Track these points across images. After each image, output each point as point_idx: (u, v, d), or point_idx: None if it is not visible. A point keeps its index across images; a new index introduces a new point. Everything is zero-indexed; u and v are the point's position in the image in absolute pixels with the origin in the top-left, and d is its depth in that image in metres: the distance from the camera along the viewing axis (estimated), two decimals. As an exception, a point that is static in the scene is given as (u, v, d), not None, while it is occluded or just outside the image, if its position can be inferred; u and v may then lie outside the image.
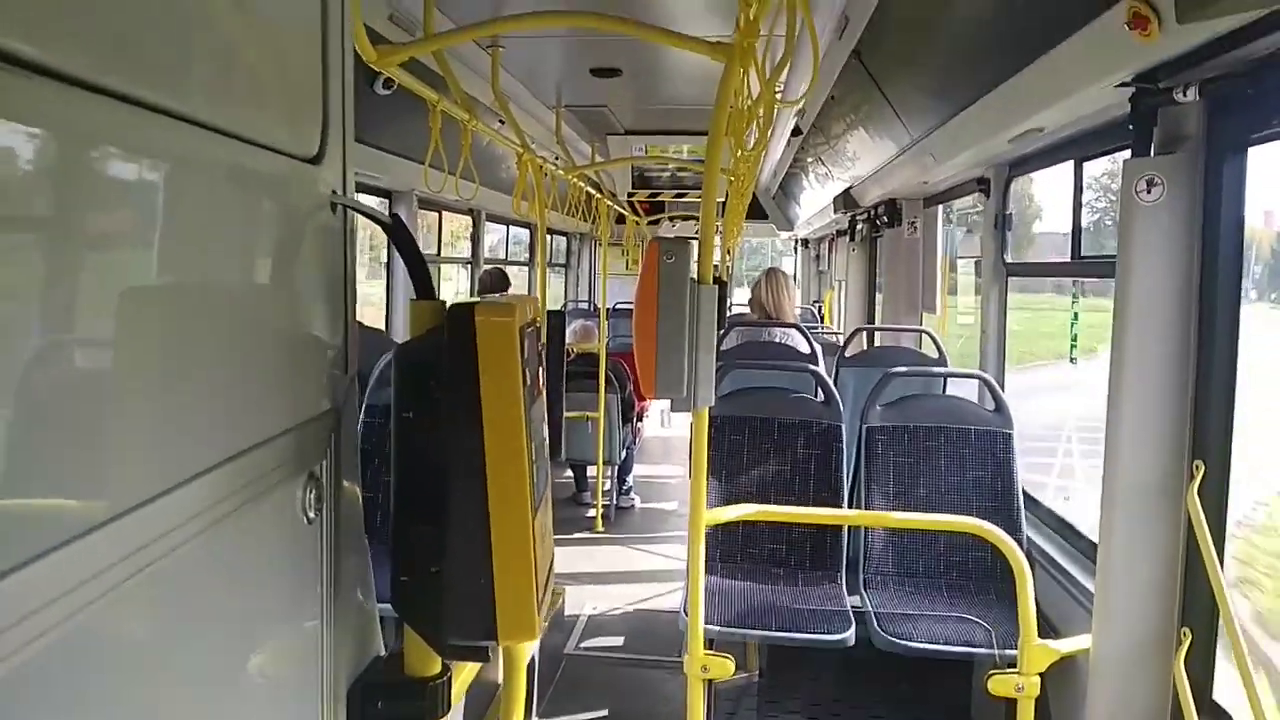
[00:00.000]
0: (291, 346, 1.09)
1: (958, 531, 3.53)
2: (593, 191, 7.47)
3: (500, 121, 4.51)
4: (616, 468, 7.37)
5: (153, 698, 0.80)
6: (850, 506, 3.80)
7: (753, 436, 3.88)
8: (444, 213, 6.63)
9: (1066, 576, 3.14)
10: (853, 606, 3.35)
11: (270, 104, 1.04)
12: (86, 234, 0.72)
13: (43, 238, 0.67)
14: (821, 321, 10.54)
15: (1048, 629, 3.05)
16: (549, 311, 4.54)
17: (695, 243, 2.32)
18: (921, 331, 5.56)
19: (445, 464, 1.17)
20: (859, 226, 7.48)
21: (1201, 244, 2.33)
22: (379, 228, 1.32)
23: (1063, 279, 5.91)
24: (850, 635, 3.14)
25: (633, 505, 7.64)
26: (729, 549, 3.75)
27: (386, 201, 5.19)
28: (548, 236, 6.41)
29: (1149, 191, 2.33)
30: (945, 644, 3.08)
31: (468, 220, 6.92)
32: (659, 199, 9.06)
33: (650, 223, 10.32)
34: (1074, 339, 3.66)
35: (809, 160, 7.01)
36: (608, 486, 7.21)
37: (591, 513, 7.11)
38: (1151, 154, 2.39)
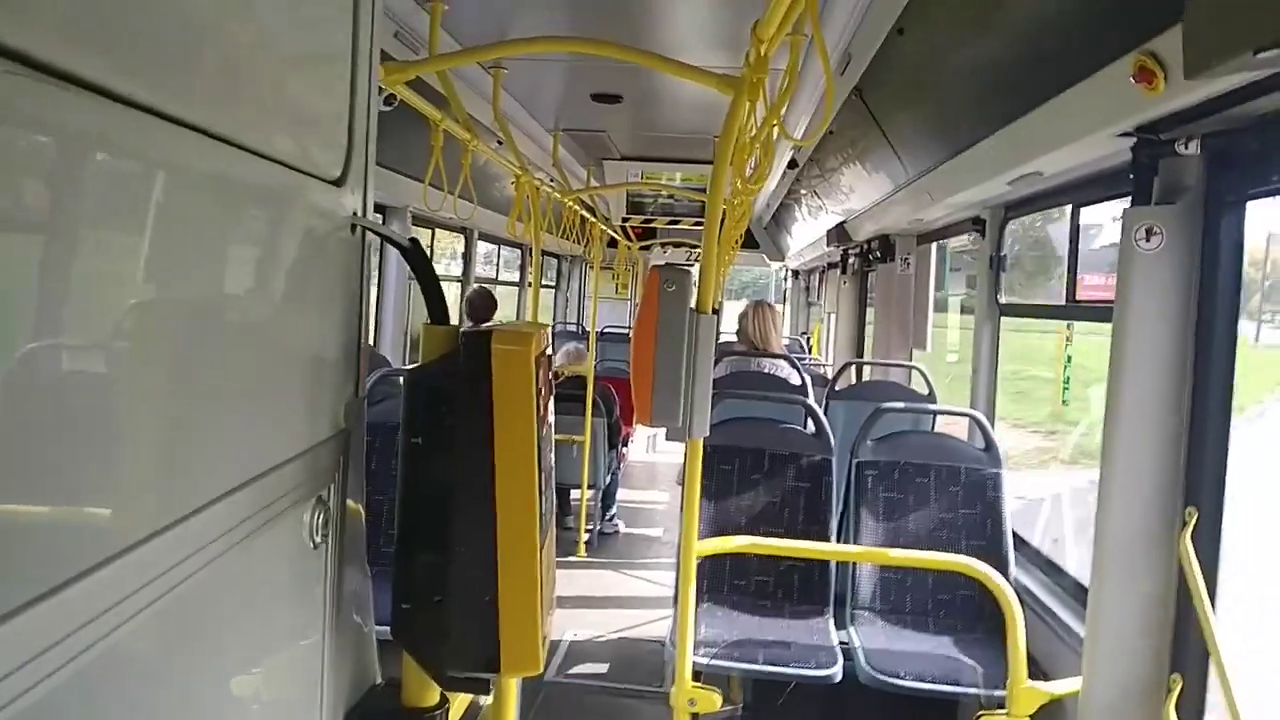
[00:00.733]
0: (306, 369, 1.08)
1: (947, 570, 3.52)
2: (587, 215, 7.49)
3: (499, 142, 4.53)
4: (601, 492, 7.34)
5: None
6: (839, 540, 3.79)
7: (743, 467, 3.87)
8: (437, 230, 6.62)
9: (1054, 618, 3.14)
10: (840, 641, 3.33)
11: (301, 126, 1.03)
12: (104, 256, 0.71)
13: (64, 255, 0.66)
14: (809, 353, 10.57)
15: (1036, 670, 3.04)
16: None
17: (695, 270, 2.33)
18: (912, 367, 5.58)
19: (454, 491, 1.16)
20: (851, 260, 7.52)
21: (1199, 293, 2.35)
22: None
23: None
24: (838, 670, 3.12)
25: (616, 530, 7.59)
26: (716, 579, 3.73)
27: (380, 217, 5.18)
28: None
29: (1148, 240, 2.36)
30: (933, 682, 3.07)
31: (458, 237, 6.91)
32: (651, 224, 9.09)
33: (641, 248, 10.35)
34: (1066, 380, 3.67)
35: (803, 192, 7.05)
36: (590, 511, 7.17)
37: (575, 537, 7.06)
38: (1152, 203, 2.42)
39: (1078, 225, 3.40)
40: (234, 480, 0.87)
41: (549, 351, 1.40)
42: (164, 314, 0.78)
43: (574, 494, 7.34)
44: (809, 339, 11.31)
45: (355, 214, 1.16)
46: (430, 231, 6.58)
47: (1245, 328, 2.37)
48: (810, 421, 3.96)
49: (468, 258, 6.86)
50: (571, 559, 6.79)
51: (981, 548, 3.56)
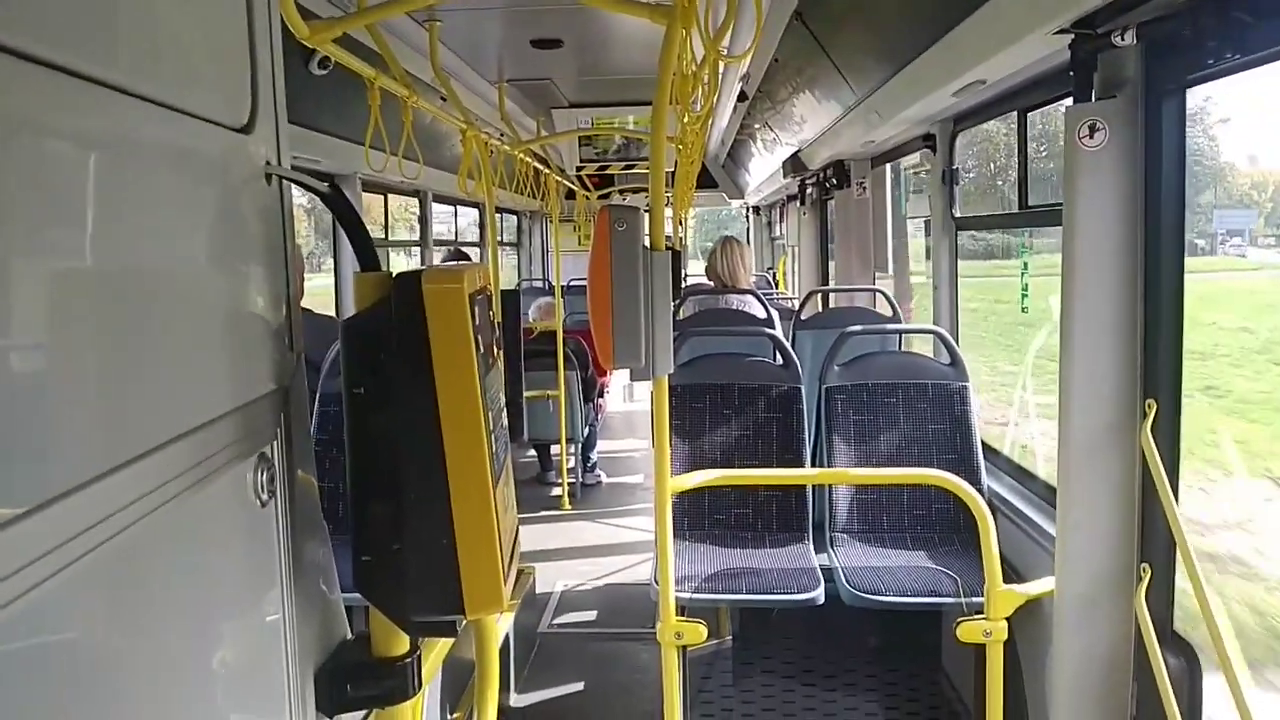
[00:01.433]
0: (231, 323, 1.06)
1: (920, 484, 3.57)
2: (540, 167, 7.40)
3: (443, 99, 4.44)
4: (580, 445, 7.36)
5: (104, 688, 0.77)
6: (814, 467, 3.82)
7: (713, 403, 3.88)
8: (393, 197, 6.52)
9: (1028, 522, 3.19)
10: (821, 565, 3.38)
11: (195, 69, 0.99)
12: (10, 209, 0.68)
13: None
14: (776, 287, 10.58)
15: (1012, 574, 3.11)
16: (504, 292, 4.49)
17: (646, 210, 2.30)
18: (875, 291, 5.60)
19: (401, 438, 1.15)
20: (809, 190, 7.49)
21: (1145, 186, 2.36)
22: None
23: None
24: (819, 594, 3.17)
25: (599, 481, 7.64)
26: (696, 516, 3.76)
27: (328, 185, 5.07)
28: (498, 216, 6.34)
29: (1091, 137, 2.36)
30: (913, 595, 3.12)
31: (416, 204, 6.81)
32: (608, 172, 9.01)
33: (600, 197, 10.26)
34: (1025, 288, 3.70)
35: (756, 126, 7.00)
36: (572, 464, 7.20)
37: (557, 491, 7.09)
38: (1093, 100, 2.41)
39: (1025, 132, 3.40)
40: (161, 436, 0.85)
41: (489, 291, 1.38)
42: (73, 266, 0.76)
43: (554, 449, 7.36)
44: (775, 274, 11.31)
45: (269, 162, 1.12)
46: (383, 197, 6.49)
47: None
48: (778, 353, 3.97)
49: (424, 220, 6.76)
50: (556, 512, 6.83)
51: (953, 460, 3.60)
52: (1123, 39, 2.20)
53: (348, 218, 1.21)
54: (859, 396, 3.78)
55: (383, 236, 6.59)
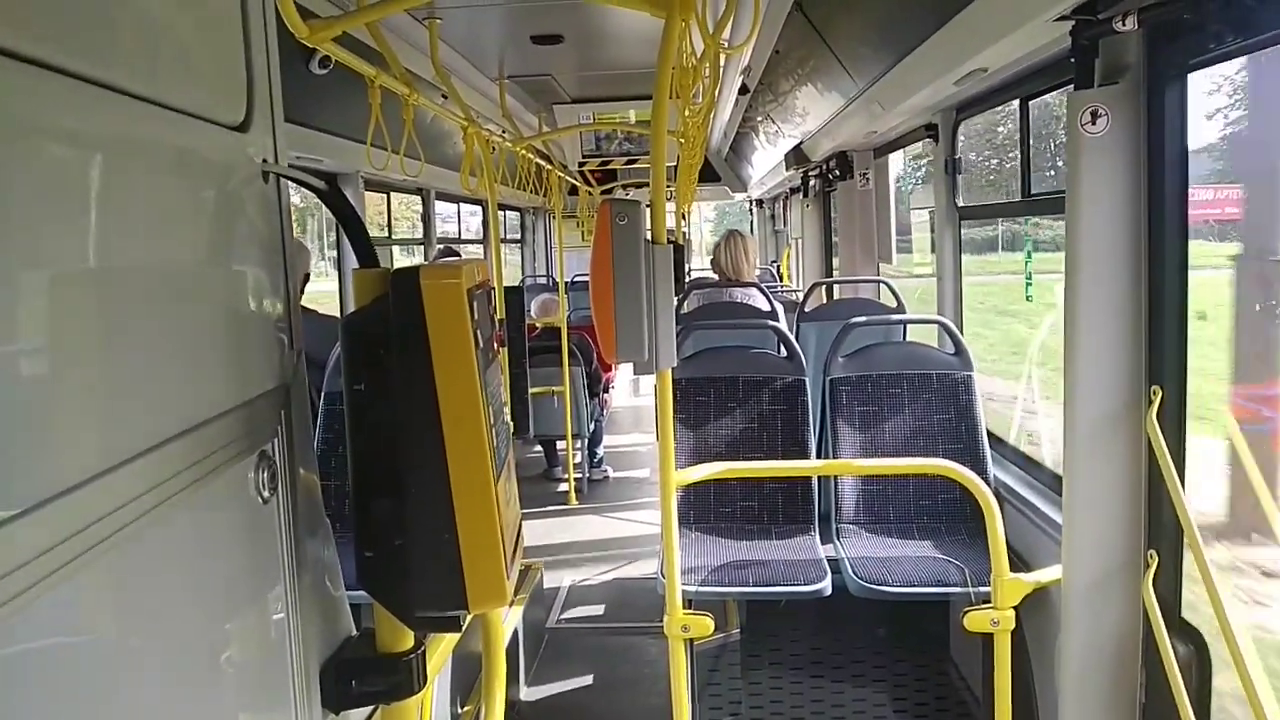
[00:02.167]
0: (230, 321, 1.06)
1: (926, 474, 3.56)
2: (543, 164, 7.39)
3: (443, 96, 4.43)
4: (586, 441, 7.36)
5: (107, 685, 0.77)
6: (819, 458, 3.82)
7: (718, 396, 3.88)
8: (396, 196, 6.52)
9: (1034, 511, 3.19)
10: (827, 556, 3.38)
11: (190, 68, 0.99)
12: (5, 209, 0.68)
13: None
14: (780, 280, 10.56)
15: (1019, 563, 3.10)
16: (508, 288, 4.49)
17: (648, 204, 2.30)
18: (879, 281, 5.58)
19: (402, 434, 1.15)
20: (811, 182, 7.48)
21: (1148, 172, 2.35)
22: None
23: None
24: (827, 585, 3.17)
25: (606, 476, 7.64)
26: (702, 509, 3.76)
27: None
28: (501, 212, 6.33)
29: (1094, 123, 2.34)
30: (920, 585, 3.12)
31: (419, 203, 6.81)
32: (610, 167, 9.00)
33: (603, 192, 10.26)
34: (1028, 276, 3.69)
35: (758, 119, 6.98)
36: (578, 460, 7.20)
37: (564, 487, 7.10)
38: (1094, 86, 2.40)
39: (1027, 120, 3.39)
40: (161, 434, 0.86)
41: (489, 286, 1.38)
42: (69, 264, 0.76)
43: (560, 445, 7.37)
44: (779, 267, 11.29)
45: (265, 160, 1.13)
46: (385, 196, 6.49)
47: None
48: (781, 345, 3.97)
49: (426, 218, 6.77)
50: (563, 507, 6.84)
51: (959, 450, 3.60)
52: (1124, 24, 2.19)
53: (345, 214, 1.21)
54: (864, 387, 3.78)
55: (385, 235, 6.60)
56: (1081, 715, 2.52)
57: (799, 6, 3.80)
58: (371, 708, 1.31)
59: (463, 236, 8.85)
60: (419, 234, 6.80)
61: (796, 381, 3.85)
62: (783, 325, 4.21)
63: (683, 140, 5.60)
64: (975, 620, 2.71)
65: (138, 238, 0.86)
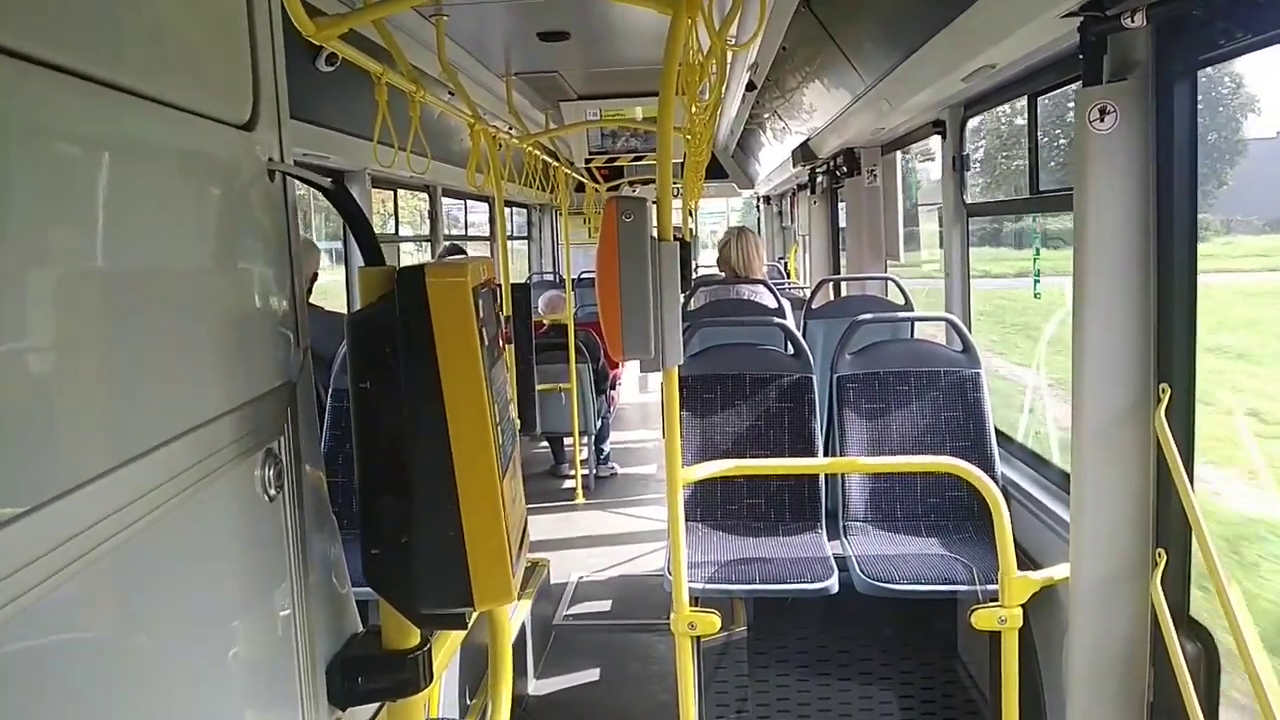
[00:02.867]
0: (236, 319, 1.06)
1: (933, 472, 3.55)
2: (549, 160, 7.39)
3: (450, 93, 4.43)
4: (593, 437, 7.37)
5: (115, 683, 0.78)
6: (826, 456, 3.81)
7: (725, 393, 3.87)
8: (403, 193, 6.53)
9: (1042, 509, 3.18)
10: (834, 554, 3.38)
11: (195, 67, 1.00)
12: (12, 207, 0.69)
13: None
14: (787, 277, 10.55)
15: (1027, 561, 3.09)
16: (514, 285, 4.49)
17: (654, 201, 2.29)
18: (887, 279, 5.57)
19: (407, 431, 1.15)
20: (819, 179, 7.46)
21: (1157, 169, 2.34)
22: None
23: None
24: (833, 582, 3.16)
25: (613, 473, 7.64)
26: (708, 507, 3.76)
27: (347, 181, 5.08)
28: (508, 209, 6.34)
29: (1102, 120, 2.33)
30: (927, 583, 3.11)
31: (426, 200, 6.82)
32: (617, 164, 8.99)
33: (610, 189, 10.25)
34: (1037, 273, 3.68)
35: (765, 115, 6.97)
36: (585, 456, 7.21)
37: (571, 484, 7.11)
38: (1103, 82, 2.39)
39: (1036, 116, 3.37)
40: (167, 432, 0.86)
41: (494, 284, 1.38)
42: (76, 263, 0.76)
43: (567, 441, 7.38)
44: (786, 264, 11.28)
45: (271, 159, 1.13)
46: (393, 193, 6.50)
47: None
48: (788, 342, 3.96)
49: (433, 215, 6.77)
50: (570, 504, 6.85)
51: (966, 448, 3.59)
52: (1132, 20, 2.17)
53: (350, 212, 1.21)
54: (871, 385, 3.77)
55: (393, 232, 6.61)
56: (1089, 714, 2.51)
57: (806, 3, 3.79)
58: (378, 705, 1.32)
59: (469, 233, 8.86)
60: (425, 231, 6.81)
61: (803, 379, 3.85)
62: (790, 322, 4.20)
63: (689, 137, 5.60)
64: (983, 618, 2.71)
65: (143, 236, 0.86)
